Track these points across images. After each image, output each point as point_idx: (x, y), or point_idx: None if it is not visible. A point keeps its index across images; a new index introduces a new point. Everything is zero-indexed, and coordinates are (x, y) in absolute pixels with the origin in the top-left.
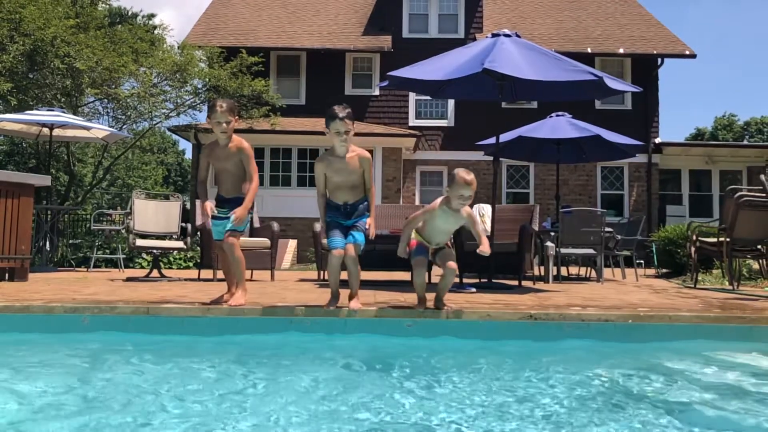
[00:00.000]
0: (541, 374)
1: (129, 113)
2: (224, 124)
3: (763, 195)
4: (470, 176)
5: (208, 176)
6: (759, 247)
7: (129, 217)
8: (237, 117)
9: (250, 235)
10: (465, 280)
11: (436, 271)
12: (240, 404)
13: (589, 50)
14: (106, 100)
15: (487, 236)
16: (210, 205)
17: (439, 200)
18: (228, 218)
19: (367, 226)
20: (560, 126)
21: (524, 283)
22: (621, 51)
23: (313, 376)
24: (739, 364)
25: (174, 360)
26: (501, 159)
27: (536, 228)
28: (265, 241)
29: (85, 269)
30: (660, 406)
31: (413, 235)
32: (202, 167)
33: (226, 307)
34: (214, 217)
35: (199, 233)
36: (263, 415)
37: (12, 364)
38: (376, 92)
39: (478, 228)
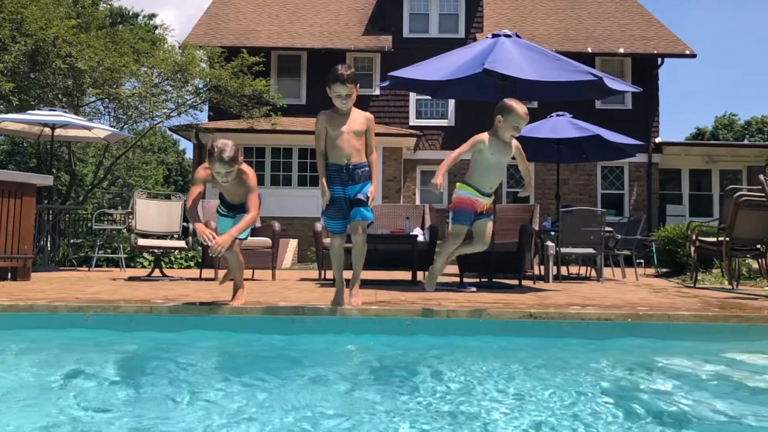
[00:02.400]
0: (540, 372)
1: (130, 113)
2: (226, 177)
3: (763, 195)
4: (524, 107)
5: (199, 201)
6: (758, 246)
7: (130, 217)
8: (242, 158)
9: (252, 235)
10: (465, 280)
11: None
12: (241, 403)
13: (589, 50)
14: (107, 100)
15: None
16: (206, 229)
17: (484, 134)
18: (234, 217)
19: (369, 194)
20: (560, 126)
21: (524, 282)
22: (621, 51)
23: (312, 374)
24: (737, 362)
25: (175, 359)
26: None
27: (536, 227)
28: (266, 241)
29: (87, 269)
30: (658, 405)
31: (459, 187)
32: (196, 192)
33: (229, 307)
34: (220, 214)
35: None
36: (264, 414)
37: (16, 363)
38: (377, 92)
39: (527, 164)
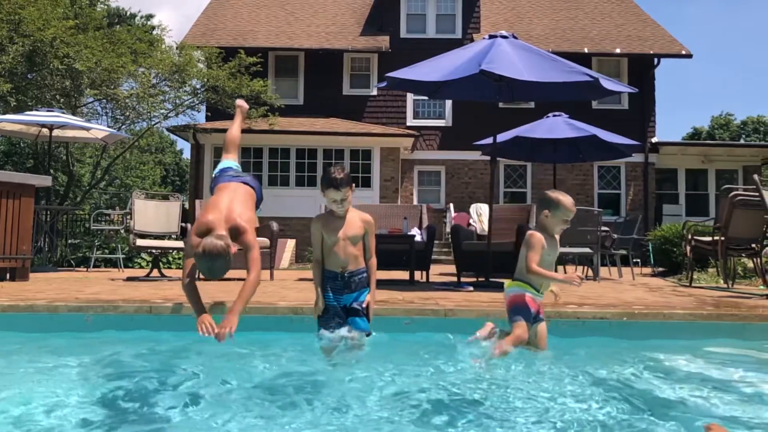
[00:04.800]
0: (537, 370)
1: (128, 113)
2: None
3: (758, 194)
4: (570, 198)
5: (196, 274)
6: (753, 245)
7: (129, 217)
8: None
9: None
10: (462, 279)
11: (434, 269)
12: (241, 402)
13: (585, 50)
14: (105, 101)
15: (485, 235)
16: (207, 318)
17: (531, 232)
18: None
19: (365, 305)
20: (557, 126)
21: None
22: (618, 51)
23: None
24: (731, 360)
25: (176, 358)
26: (498, 159)
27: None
28: (264, 241)
29: (85, 269)
30: (653, 402)
31: (512, 285)
32: (190, 265)
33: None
34: None
35: None
36: (265, 413)
37: (17, 362)
38: (374, 92)
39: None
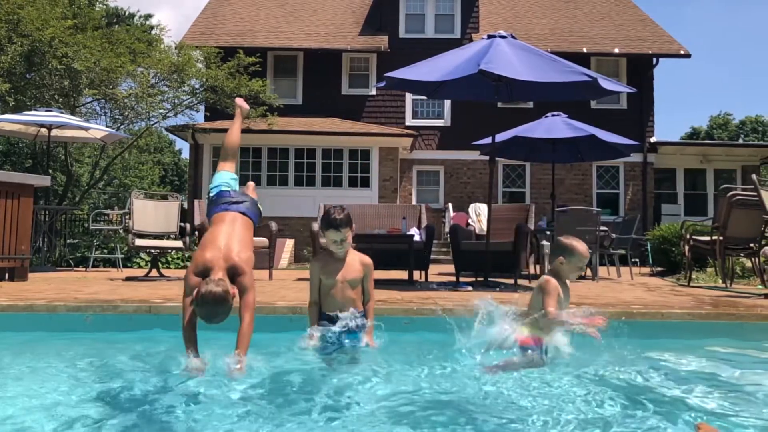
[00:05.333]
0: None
1: (126, 113)
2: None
3: (756, 194)
4: (585, 245)
5: (196, 320)
6: (751, 245)
7: (127, 217)
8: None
9: None
10: (461, 279)
11: (433, 269)
12: (240, 402)
13: (584, 50)
14: (103, 101)
15: (483, 235)
16: (197, 364)
17: (547, 278)
18: None
19: (363, 344)
20: (556, 126)
21: (520, 281)
22: (616, 51)
23: (312, 373)
24: (729, 359)
25: (175, 358)
26: (497, 158)
27: (532, 227)
28: (263, 241)
29: (84, 269)
30: (650, 401)
31: (526, 330)
32: (190, 311)
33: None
34: None
35: (197, 233)
36: (264, 413)
37: (16, 362)
38: (373, 92)
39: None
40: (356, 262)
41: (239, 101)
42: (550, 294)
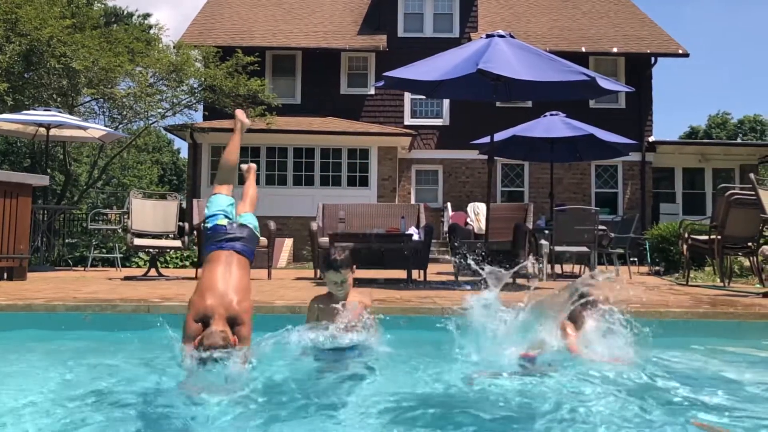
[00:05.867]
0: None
1: (125, 113)
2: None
3: (754, 193)
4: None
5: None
6: (749, 244)
7: (126, 217)
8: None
9: None
10: (460, 278)
11: (432, 268)
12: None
13: (583, 49)
14: (102, 100)
15: (482, 234)
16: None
17: (564, 323)
18: None
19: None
20: (554, 125)
21: (519, 280)
22: (615, 50)
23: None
24: (727, 358)
25: (174, 358)
26: (495, 158)
27: (530, 226)
28: (262, 240)
29: (82, 268)
30: (647, 399)
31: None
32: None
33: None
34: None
35: (195, 232)
36: (262, 413)
37: (15, 361)
38: (372, 91)
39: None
40: (356, 305)
41: (240, 115)
42: (569, 336)
